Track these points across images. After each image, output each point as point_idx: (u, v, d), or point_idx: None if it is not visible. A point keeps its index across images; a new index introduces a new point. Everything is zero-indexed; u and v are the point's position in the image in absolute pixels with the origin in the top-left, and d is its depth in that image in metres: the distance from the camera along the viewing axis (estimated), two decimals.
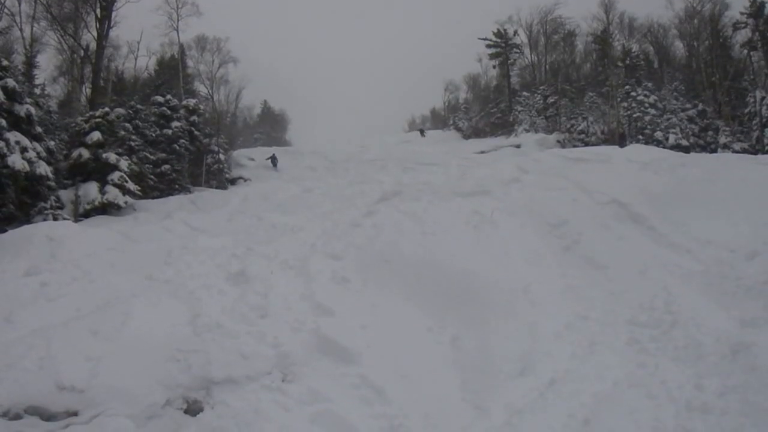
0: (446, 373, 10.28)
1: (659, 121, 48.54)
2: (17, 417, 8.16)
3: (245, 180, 41.80)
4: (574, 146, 45.54)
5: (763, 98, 44.24)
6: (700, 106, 50.59)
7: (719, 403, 8.43)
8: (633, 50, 64.39)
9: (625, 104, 52.06)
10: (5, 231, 18.47)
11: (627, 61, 61.25)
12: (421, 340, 11.21)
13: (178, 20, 53.07)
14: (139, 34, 70.75)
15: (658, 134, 46.90)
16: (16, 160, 21.85)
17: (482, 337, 11.36)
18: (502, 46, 77.25)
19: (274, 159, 44.94)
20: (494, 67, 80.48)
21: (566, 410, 8.92)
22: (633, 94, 51.69)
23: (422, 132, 61.87)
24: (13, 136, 22.52)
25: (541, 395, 9.58)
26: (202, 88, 63.22)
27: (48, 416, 8.32)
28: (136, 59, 54.83)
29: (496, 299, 12.69)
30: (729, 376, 9.01)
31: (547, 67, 75.33)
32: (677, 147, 41.07)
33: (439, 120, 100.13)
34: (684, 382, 9.17)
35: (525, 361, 10.65)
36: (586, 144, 47.45)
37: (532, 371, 10.34)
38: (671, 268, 13.34)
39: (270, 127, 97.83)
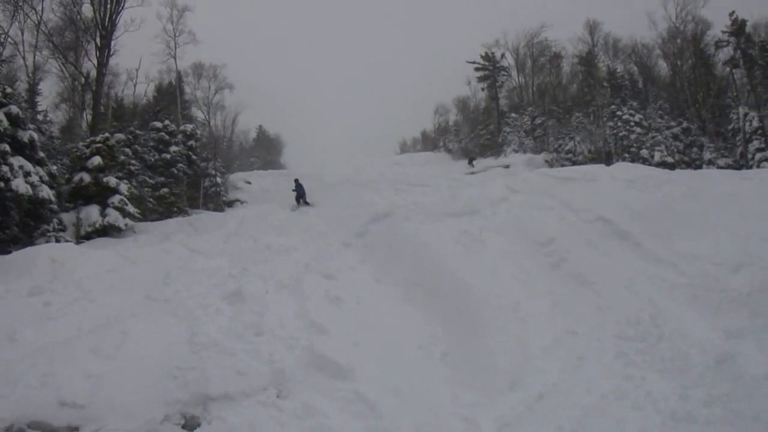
0: (437, 388, 10.44)
1: (645, 139, 48.91)
2: None
3: (242, 202, 42.13)
4: (562, 165, 45.83)
5: (746, 114, 44.72)
6: (685, 124, 50.96)
7: (704, 413, 8.62)
8: (618, 70, 64.57)
9: (611, 123, 52.53)
10: (9, 252, 18.71)
11: (612, 82, 61.51)
12: (413, 355, 11.40)
13: (175, 48, 53.47)
14: (138, 61, 71.14)
15: (644, 152, 47.22)
16: (19, 184, 22.14)
17: (472, 352, 11.54)
18: (489, 69, 77.76)
19: (299, 190, 33.06)
20: (483, 89, 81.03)
21: (555, 423, 9.07)
22: (618, 113, 52.12)
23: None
24: (17, 160, 22.83)
25: (530, 408, 9.76)
26: (199, 114, 63.45)
27: (50, 431, 8.50)
28: (135, 86, 55.29)
29: (486, 316, 12.87)
30: (714, 386, 9.21)
31: (535, 88, 75.55)
32: (663, 164, 41.40)
33: (429, 142, 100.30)
34: (670, 393, 9.35)
35: (514, 375, 10.82)
36: (574, 163, 47.72)
37: (522, 385, 10.51)
38: (657, 283, 13.53)
39: (266, 150, 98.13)
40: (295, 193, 33.17)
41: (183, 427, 9.18)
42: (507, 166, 51.77)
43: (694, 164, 45.87)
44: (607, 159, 44.55)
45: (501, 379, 10.75)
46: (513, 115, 68.71)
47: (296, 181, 34.20)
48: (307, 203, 31.55)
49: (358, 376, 10.36)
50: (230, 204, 42.81)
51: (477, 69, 78.79)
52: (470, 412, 9.73)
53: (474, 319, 12.74)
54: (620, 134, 50.82)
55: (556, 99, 69.05)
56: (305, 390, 10.14)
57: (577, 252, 15.73)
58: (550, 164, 50.64)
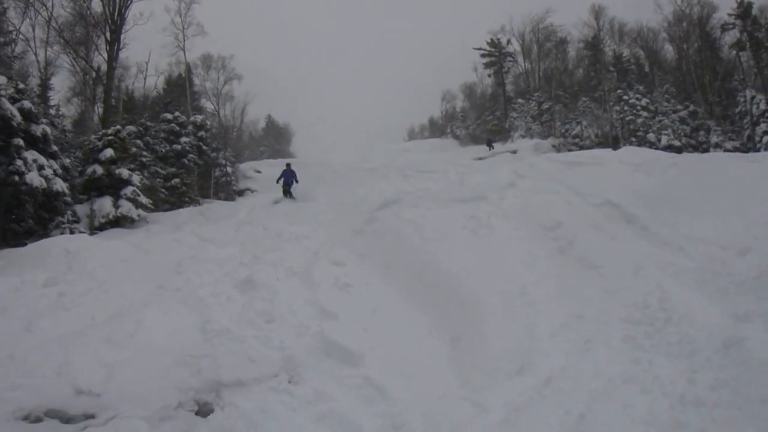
0: (446, 373, 10.51)
1: (651, 123, 49.02)
2: (38, 420, 8.52)
3: (252, 191, 42.34)
4: (569, 150, 46.00)
5: (753, 97, 44.85)
6: (692, 107, 51.07)
7: (712, 396, 8.56)
8: (624, 55, 64.97)
9: (618, 108, 52.63)
10: (25, 245, 18.95)
11: (618, 66, 61.51)
12: (422, 341, 11.46)
13: (184, 40, 53.68)
14: (147, 54, 71.61)
15: (651, 136, 47.34)
16: (33, 178, 22.44)
17: (481, 337, 11.56)
18: (496, 55, 78.63)
19: (287, 177, 28.81)
20: (489, 75, 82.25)
21: (563, 407, 9.06)
22: (625, 97, 52.29)
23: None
24: (31, 154, 23.12)
25: (539, 393, 9.75)
26: (208, 105, 63.87)
27: (67, 419, 8.68)
28: (145, 78, 55.72)
29: (494, 301, 12.92)
30: (722, 369, 9.15)
31: (541, 74, 76.08)
32: (670, 148, 41.52)
33: (437, 128, 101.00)
34: (677, 377, 9.29)
35: (522, 359, 10.83)
36: (581, 148, 47.70)
37: (530, 370, 10.53)
38: (664, 267, 13.51)
39: (275, 139, 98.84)
40: (283, 182, 28.88)
41: (196, 413, 9.34)
42: (514, 152, 51.78)
43: (702, 148, 45.95)
44: (614, 143, 44.42)
45: (509, 363, 10.76)
46: (520, 100, 69.38)
47: (288, 166, 30.18)
48: (291, 196, 27.87)
49: (367, 362, 10.48)
50: (241, 193, 43.12)
51: (483, 55, 79.69)
52: (479, 397, 9.77)
53: (482, 304, 12.78)
54: (627, 118, 50.94)
55: (563, 84, 69.41)
56: (316, 376, 10.27)
57: (585, 236, 15.75)
58: (558, 149, 50.84)
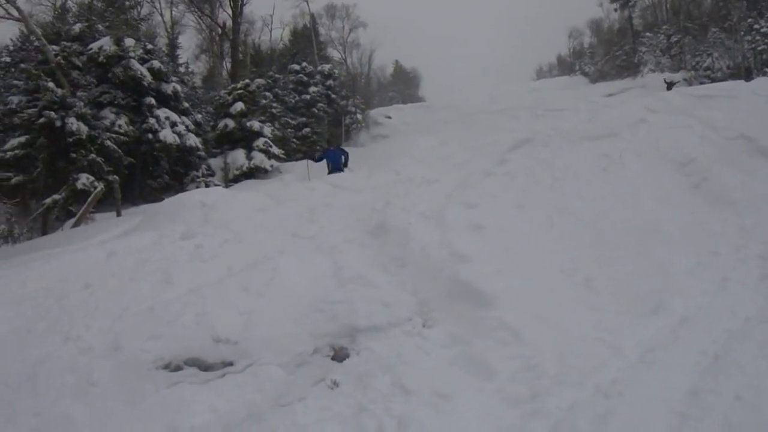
0: (579, 314, 10.14)
1: None
2: (178, 368, 8.75)
3: (383, 137, 42.56)
4: (701, 83, 43.99)
5: None
6: None
7: None
8: None
9: (749, 38, 50.25)
10: (162, 199, 19.65)
11: None
12: (555, 281, 11.13)
13: None
14: (271, 8, 72.93)
15: None
16: (167, 135, 23.35)
17: (614, 276, 11.21)
18: None
19: (335, 159, 23.64)
20: (615, 10, 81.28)
21: (698, 347, 8.62)
22: (756, 26, 49.94)
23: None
24: (163, 112, 24.04)
25: (673, 332, 9.30)
26: (335, 54, 64.98)
27: (206, 367, 8.88)
28: (270, 32, 57.18)
29: (627, 238, 12.57)
30: None
31: (668, 6, 73.65)
32: None
33: (565, 66, 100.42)
34: None
35: (657, 299, 10.39)
36: (713, 80, 45.74)
37: (664, 309, 10.08)
38: None
39: (403, 84, 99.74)
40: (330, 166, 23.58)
41: (332, 358, 9.40)
42: (644, 87, 50.56)
43: None
44: (747, 75, 42.37)
45: (643, 302, 10.34)
46: (648, 34, 67.80)
47: (336, 146, 26.01)
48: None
49: (501, 304, 10.23)
50: (372, 139, 43.43)
51: None
52: (613, 337, 9.35)
53: (615, 242, 12.45)
54: (759, 48, 48.52)
55: (691, 15, 67.27)
56: (449, 319, 10.16)
57: (719, 171, 15.20)
58: (689, 82, 48.93)
